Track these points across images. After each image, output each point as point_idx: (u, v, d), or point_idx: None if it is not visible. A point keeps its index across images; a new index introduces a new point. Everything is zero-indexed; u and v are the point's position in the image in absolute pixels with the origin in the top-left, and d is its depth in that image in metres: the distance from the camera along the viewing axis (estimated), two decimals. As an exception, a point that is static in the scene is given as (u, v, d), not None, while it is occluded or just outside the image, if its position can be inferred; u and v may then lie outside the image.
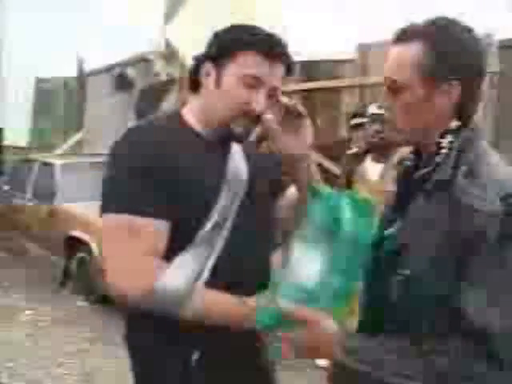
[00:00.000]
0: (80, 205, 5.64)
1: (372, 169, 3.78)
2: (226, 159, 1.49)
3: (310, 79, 6.29)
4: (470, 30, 1.23)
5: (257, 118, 1.43)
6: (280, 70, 1.44)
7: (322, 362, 3.43)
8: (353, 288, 1.16)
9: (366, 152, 3.84)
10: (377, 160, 3.76)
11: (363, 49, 5.81)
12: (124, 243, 1.35)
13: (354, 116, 4.15)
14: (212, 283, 1.40)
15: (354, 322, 1.31)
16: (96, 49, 10.24)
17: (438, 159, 1.22)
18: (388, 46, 1.26)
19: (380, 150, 3.70)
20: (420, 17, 1.25)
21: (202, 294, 1.38)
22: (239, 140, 1.47)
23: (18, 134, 11.59)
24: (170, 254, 1.39)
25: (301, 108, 1.47)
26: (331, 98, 6.24)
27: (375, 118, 3.62)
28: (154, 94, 8.00)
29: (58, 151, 9.96)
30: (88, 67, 11.08)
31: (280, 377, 1.65)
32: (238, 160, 1.52)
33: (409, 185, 1.28)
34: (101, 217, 1.41)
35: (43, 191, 6.66)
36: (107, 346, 4.26)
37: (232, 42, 1.42)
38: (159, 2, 7.81)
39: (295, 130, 1.46)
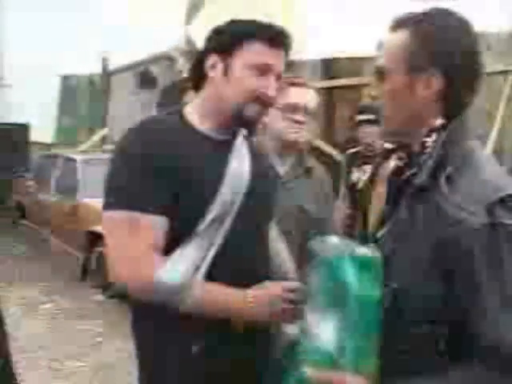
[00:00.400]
0: (101, 200, 5.69)
1: None
2: (228, 158, 1.50)
3: (331, 77, 6.27)
4: (464, 22, 1.19)
5: (266, 103, 1.49)
6: (282, 56, 1.50)
7: None
8: (372, 346, 1.12)
9: (391, 152, 3.75)
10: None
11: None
12: (125, 239, 1.37)
13: (362, 111, 4.07)
14: (212, 277, 1.41)
15: None
16: (119, 47, 10.35)
17: (421, 160, 1.18)
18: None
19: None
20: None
21: (200, 286, 1.39)
22: (251, 125, 1.51)
23: (44, 132, 11.77)
24: (169, 250, 1.41)
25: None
26: (352, 95, 6.21)
27: None
28: (177, 91, 8.06)
29: (83, 147, 10.09)
30: (112, 65, 11.19)
31: None
32: (240, 159, 1.53)
33: (397, 186, 1.25)
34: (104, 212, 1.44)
35: (66, 187, 6.76)
36: (122, 339, 4.31)
37: (237, 33, 1.47)
38: (181, 1, 7.86)
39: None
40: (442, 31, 1.17)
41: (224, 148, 1.51)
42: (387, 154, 4.38)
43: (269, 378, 1.51)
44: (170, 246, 1.41)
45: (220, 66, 1.47)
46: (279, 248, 1.70)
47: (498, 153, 4.99)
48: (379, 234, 1.24)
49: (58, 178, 7.21)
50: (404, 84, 1.19)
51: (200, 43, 1.56)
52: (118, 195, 1.41)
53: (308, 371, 1.11)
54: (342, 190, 3.93)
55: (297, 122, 2.10)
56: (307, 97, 2.14)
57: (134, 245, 1.36)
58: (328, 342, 1.11)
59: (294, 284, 1.42)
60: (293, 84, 2.13)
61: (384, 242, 1.20)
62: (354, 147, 4.09)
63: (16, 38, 13.55)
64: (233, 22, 1.51)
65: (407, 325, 1.12)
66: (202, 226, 1.42)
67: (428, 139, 1.19)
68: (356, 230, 3.47)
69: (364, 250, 1.14)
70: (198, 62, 1.52)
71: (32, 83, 11.63)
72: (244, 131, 1.57)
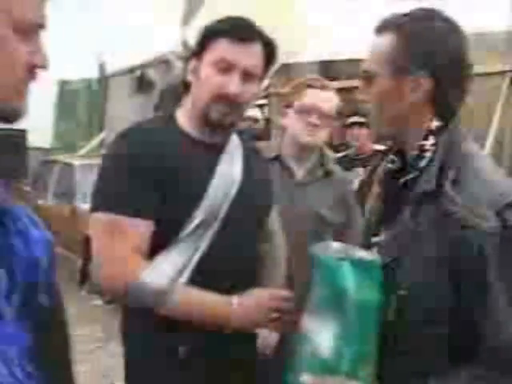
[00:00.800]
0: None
1: None
2: (218, 159, 1.48)
3: (329, 79, 6.27)
4: (450, 22, 1.17)
5: (233, 103, 1.44)
6: (253, 50, 1.45)
7: None
8: (370, 351, 1.11)
9: (387, 152, 3.76)
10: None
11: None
12: (110, 241, 1.37)
13: (351, 114, 4.07)
14: (197, 281, 1.40)
15: None
16: (116, 50, 10.35)
17: (422, 164, 1.17)
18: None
19: None
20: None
21: (183, 290, 1.38)
22: (218, 126, 1.47)
23: (42, 136, 11.76)
24: (154, 253, 1.41)
25: None
26: (351, 97, 6.20)
27: None
28: (174, 94, 8.06)
29: (82, 151, 10.10)
30: (109, 69, 11.19)
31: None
32: (232, 160, 1.51)
33: (394, 189, 1.22)
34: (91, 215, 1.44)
35: (64, 192, 6.75)
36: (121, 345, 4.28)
37: (205, 34, 1.47)
38: (178, 4, 7.86)
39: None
40: (428, 31, 1.15)
41: (214, 151, 1.49)
42: (382, 155, 4.34)
43: (268, 378, 1.50)
44: (156, 248, 1.40)
45: (197, 70, 1.48)
46: (276, 244, 1.67)
47: (496, 152, 4.98)
48: (379, 239, 1.22)
49: (56, 183, 7.20)
50: (391, 86, 1.17)
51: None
52: (105, 197, 1.42)
53: (305, 378, 1.10)
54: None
55: (311, 124, 2.07)
56: (323, 99, 2.11)
57: (119, 247, 1.36)
58: (326, 348, 1.10)
59: (282, 292, 1.41)
60: (309, 86, 2.11)
61: (387, 247, 1.18)
62: (345, 150, 4.10)
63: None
64: (208, 24, 1.50)
65: (411, 326, 1.11)
66: (187, 230, 1.41)
67: (426, 142, 1.17)
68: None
69: (363, 254, 1.14)
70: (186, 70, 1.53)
71: (30, 87, 11.60)
72: (237, 134, 1.55)
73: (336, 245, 1.18)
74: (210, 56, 1.44)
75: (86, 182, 6.37)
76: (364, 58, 1.22)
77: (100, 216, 1.40)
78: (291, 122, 2.12)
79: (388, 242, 1.19)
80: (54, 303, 0.91)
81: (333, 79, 6.26)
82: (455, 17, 1.19)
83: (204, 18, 6.65)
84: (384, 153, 3.81)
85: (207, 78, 1.44)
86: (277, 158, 2.14)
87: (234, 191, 1.48)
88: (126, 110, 9.53)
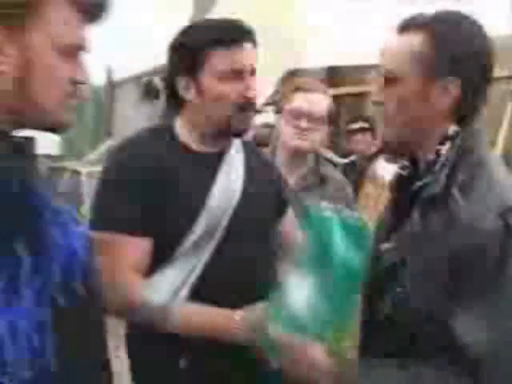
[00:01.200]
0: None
1: (387, 168, 3.70)
2: (218, 170, 1.46)
3: (335, 84, 6.26)
4: (475, 24, 1.15)
5: (250, 106, 1.42)
6: (250, 48, 1.42)
7: None
8: (344, 314, 1.13)
9: (378, 152, 3.76)
10: (390, 160, 3.68)
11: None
12: (109, 259, 1.34)
13: (354, 120, 4.06)
14: (198, 296, 1.38)
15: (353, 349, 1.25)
16: (123, 58, 10.40)
17: (436, 168, 1.14)
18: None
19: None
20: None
21: (181, 309, 1.36)
22: (243, 133, 1.46)
23: (48, 143, 11.84)
24: (154, 267, 1.39)
25: None
26: (358, 103, 6.19)
27: None
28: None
29: (90, 157, 10.14)
30: (116, 76, 11.25)
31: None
32: (231, 172, 1.48)
33: (406, 195, 1.20)
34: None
35: (72, 199, 6.78)
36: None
37: (197, 47, 1.40)
38: (186, 11, 7.89)
39: None
40: (458, 34, 1.12)
41: (215, 161, 1.46)
42: (373, 156, 4.29)
43: None
44: (154, 263, 1.39)
45: (193, 86, 1.42)
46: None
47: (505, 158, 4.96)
48: (390, 245, 1.19)
49: (64, 190, 7.23)
50: (418, 87, 1.13)
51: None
52: (102, 214, 1.40)
53: (273, 330, 1.12)
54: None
55: (300, 128, 2.01)
56: (312, 101, 2.04)
57: (118, 266, 1.35)
58: (301, 306, 1.11)
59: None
60: (297, 89, 2.05)
61: (396, 249, 1.16)
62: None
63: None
64: (185, 35, 1.44)
65: (409, 325, 1.10)
66: (186, 245, 1.39)
67: (442, 147, 1.14)
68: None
69: (355, 218, 1.15)
70: (171, 85, 1.45)
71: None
72: (237, 142, 1.52)
73: (331, 206, 1.18)
74: (211, 70, 1.40)
75: (92, 189, 6.40)
76: (374, 62, 1.19)
77: (97, 234, 1.35)
78: (282, 127, 2.07)
79: (397, 245, 1.17)
80: (91, 293, 0.95)
81: (340, 85, 6.27)
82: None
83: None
84: (375, 154, 3.80)
85: (218, 93, 1.40)
86: None
87: (234, 202, 1.45)
88: (133, 118, 9.57)
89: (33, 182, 0.91)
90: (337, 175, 2.23)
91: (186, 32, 1.45)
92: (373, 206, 2.99)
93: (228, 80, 1.39)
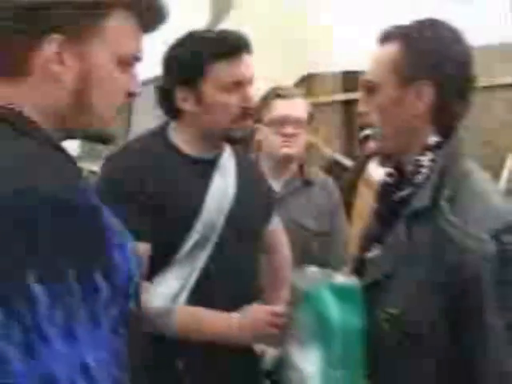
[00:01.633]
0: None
1: (378, 171, 3.69)
2: (212, 177, 1.48)
3: (348, 90, 6.24)
4: (454, 32, 1.16)
5: (250, 115, 1.46)
6: (248, 59, 1.46)
7: None
8: (359, 375, 1.13)
9: (370, 156, 3.73)
10: (382, 163, 3.65)
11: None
12: None
13: (364, 127, 4.02)
14: (196, 301, 1.41)
15: None
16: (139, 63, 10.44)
17: (417, 180, 1.14)
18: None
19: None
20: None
21: (182, 311, 1.39)
22: (243, 141, 1.51)
23: (69, 145, 11.93)
24: (152, 274, 1.42)
25: None
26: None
27: None
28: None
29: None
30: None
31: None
32: (224, 177, 1.51)
33: (389, 204, 1.21)
34: None
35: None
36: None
37: (197, 60, 1.43)
38: (203, 14, 7.92)
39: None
40: (432, 42, 1.14)
41: (209, 167, 1.49)
42: (369, 155, 4.26)
43: None
44: (153, 270, 1.41)
45: (191, 98, 1.44)
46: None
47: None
48: (372, 254, 1.21)
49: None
50: (395, 97, 1.15)
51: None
52: None
53: None
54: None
55: (287, 135, 2.01)
56: (294, 107, 2.04)
57: None
58: (312, 376, 1.12)
59: (279, 308, 1.41)
60: (278, 96, 2.05)
61: (379, 263, 1.17)
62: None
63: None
64: (182, 46, 1.46)
65: (404, 345, 1.10)
66: (183, 252, 1.41)
67: (422, 158, 1.15)
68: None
69: (342, 279, 1.15)
70: (166, 95, 1.48)
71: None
72: (229, 148, 1.55)
73: (315, 272, 1.19)
74: (212, 82, 1.43)
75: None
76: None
77: None
78: (264, 136, 2.06)
79: (380, 258, 1.18)
80: (138, 317, 0.91)
81: (356, 90, 6.23)
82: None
83: (231, 24, 6.68)
84: (370, 156, 3.74)
85: (223, 103, 1.43)
86: None
87: (227, 206, 1.47)
88: (151, 120, 9.61)
89: (95, 196, 0.82)
90: (322, 176, 2.24)
91: (182, 44, 1.47)
92: (365, 206, 3.03)
93: (228, 90, 1.43)
